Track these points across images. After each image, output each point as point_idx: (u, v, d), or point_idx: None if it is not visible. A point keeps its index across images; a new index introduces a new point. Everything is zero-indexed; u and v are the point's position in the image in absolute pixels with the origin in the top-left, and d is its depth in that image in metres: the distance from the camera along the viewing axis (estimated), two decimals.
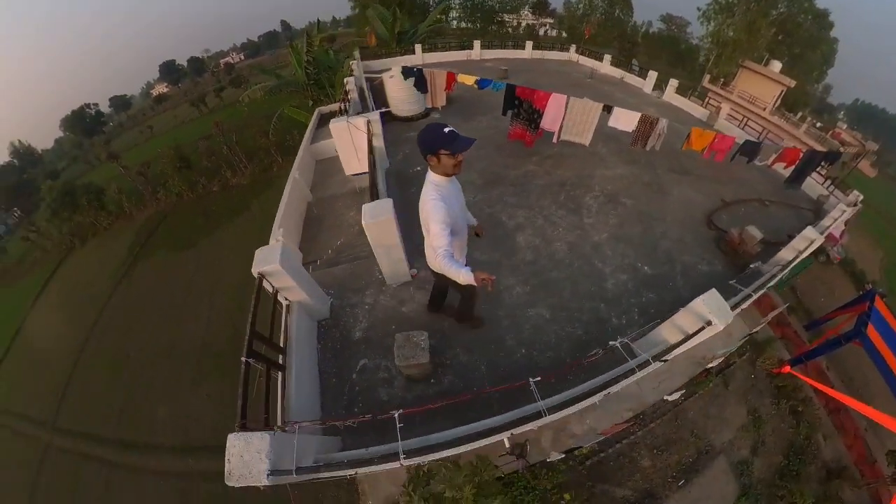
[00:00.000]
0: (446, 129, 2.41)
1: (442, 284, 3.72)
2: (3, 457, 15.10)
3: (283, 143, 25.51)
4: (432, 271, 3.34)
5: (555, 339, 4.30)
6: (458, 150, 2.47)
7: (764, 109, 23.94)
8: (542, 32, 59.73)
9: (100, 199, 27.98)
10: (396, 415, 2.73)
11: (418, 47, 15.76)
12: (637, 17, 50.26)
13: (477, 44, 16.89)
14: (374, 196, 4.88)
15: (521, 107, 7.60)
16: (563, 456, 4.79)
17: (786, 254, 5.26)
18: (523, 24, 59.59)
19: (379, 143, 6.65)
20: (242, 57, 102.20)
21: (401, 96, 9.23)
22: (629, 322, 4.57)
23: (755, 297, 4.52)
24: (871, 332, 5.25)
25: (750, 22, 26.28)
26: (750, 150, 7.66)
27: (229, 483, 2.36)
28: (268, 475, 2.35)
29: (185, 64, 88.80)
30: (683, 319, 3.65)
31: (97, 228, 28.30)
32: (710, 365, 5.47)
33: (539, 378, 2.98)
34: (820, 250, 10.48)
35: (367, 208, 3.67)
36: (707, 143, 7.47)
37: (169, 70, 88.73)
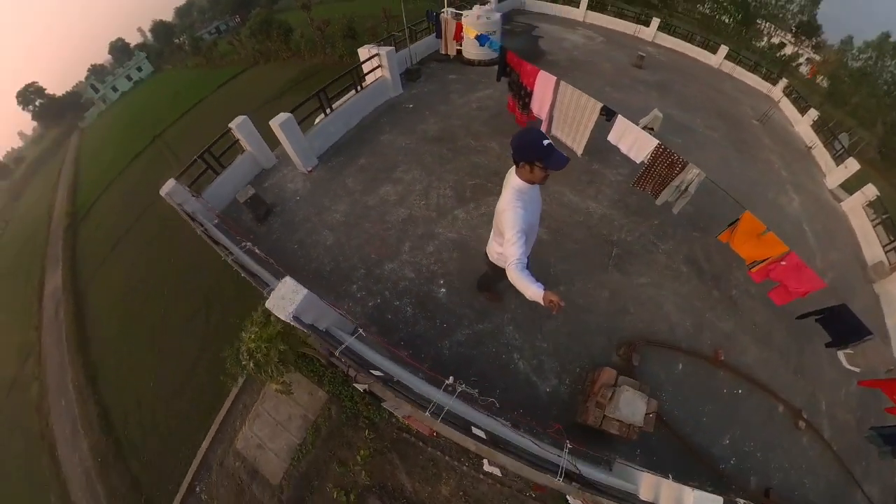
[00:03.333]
0: (545, 142, 2.27)
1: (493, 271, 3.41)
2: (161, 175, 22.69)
3: None
4: (488, 261, 3.34)
5: None
6: (553, 166, 2.33)
7: None
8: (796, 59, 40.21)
9: (287, 36, 34.39)
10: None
11: (585, 1, 14.51)
12: None
13: (655, 22, 14.24)
14: (326, 112, 7.22)
15: (511, 77, 6.56)
16: (365, 389, 4.98)
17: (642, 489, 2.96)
18: (776, 42, 41.75)
19: (386, 73, 8.18)
20: None
21: (472, 38, 9.35)
22: (355, 300, 4.81)
23: None
24: None
25: None
26: (839, 325, 4.01)
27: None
28: (166, 193, 5.40)
29: None
30: None
31: (277, 56, 35.19)
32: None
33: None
34: None
35: (276, 118, 5.97)
36: (764, 257, 4.22)
37: None
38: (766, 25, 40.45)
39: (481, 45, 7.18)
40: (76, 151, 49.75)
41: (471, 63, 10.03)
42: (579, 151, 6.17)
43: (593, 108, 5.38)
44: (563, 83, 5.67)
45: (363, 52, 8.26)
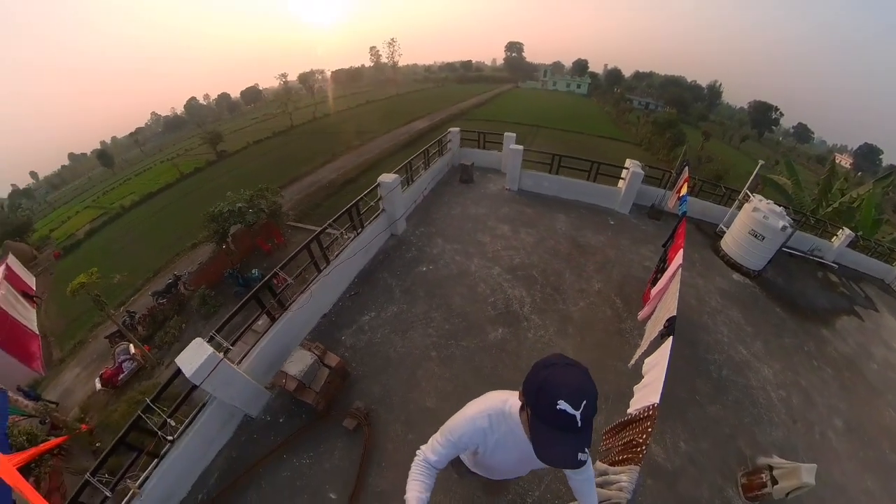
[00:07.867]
0: (560, 406, 1.18)
1: None
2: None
3: None
4: None
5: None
6: (543, 457, 1.24)
7: None
8: None
9: (673, 145, 37.08)
10: None
11: None
12: None
13: None
14: (550, 171, 9.99)
15: (667, 245, 5.58)
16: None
17: None
18: None
19: (623, 188, 9.08)
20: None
21: (739, 235, 8.04)
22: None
23: None
24: None
25: None
26: None
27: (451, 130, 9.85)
28: (449, 131, 10.09)
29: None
30: None
31: (655, 151, 38.50)
32: None
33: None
34: None
35: (514, 146, 8.98)
36: None
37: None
38: None
39: (681, 204, 6.34)
40: (500, 91, 77.59)
41: (726, 261, 8.41)
42: (631, 361, 4.67)
43: (667, 312, 3.82)
44: (680, 272, 4.07)
45: (628, 163, 9.03)
